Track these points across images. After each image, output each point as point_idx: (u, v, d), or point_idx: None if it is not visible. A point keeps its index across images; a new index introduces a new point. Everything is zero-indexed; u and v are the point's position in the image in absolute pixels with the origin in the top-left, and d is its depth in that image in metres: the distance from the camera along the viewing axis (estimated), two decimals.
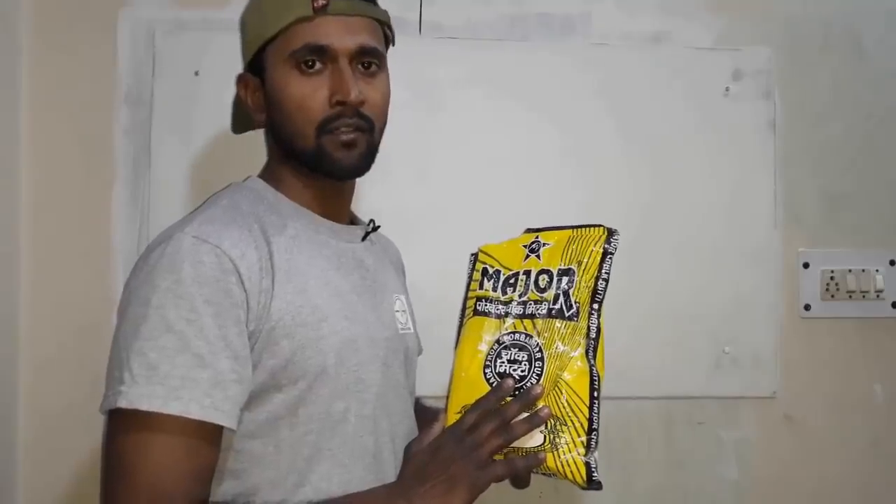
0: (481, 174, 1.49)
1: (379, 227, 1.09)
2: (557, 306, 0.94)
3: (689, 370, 1.52)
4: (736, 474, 1.55)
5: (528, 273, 0.98)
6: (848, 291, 1.56)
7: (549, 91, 1.51)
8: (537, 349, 0.93)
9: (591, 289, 0.94)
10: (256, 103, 1.01)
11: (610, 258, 0.95)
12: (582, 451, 0.94)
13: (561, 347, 0.92)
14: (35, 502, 1.40)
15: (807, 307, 1.56)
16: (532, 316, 0.94)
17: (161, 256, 0.88)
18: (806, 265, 1.57)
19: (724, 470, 1.54)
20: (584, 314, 0.93)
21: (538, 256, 0.99)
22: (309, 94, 0.95)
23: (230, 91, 1.04)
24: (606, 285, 0.94)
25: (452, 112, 1.49)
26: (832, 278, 1.56)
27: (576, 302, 0.94)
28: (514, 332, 0.95)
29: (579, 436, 0.94)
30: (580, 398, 0.93)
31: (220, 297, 0.86)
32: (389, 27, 1.03)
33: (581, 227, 0.98)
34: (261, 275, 0.90)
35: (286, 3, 0.96)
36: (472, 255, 1.05)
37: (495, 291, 0.99)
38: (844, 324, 1.57)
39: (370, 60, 0.97)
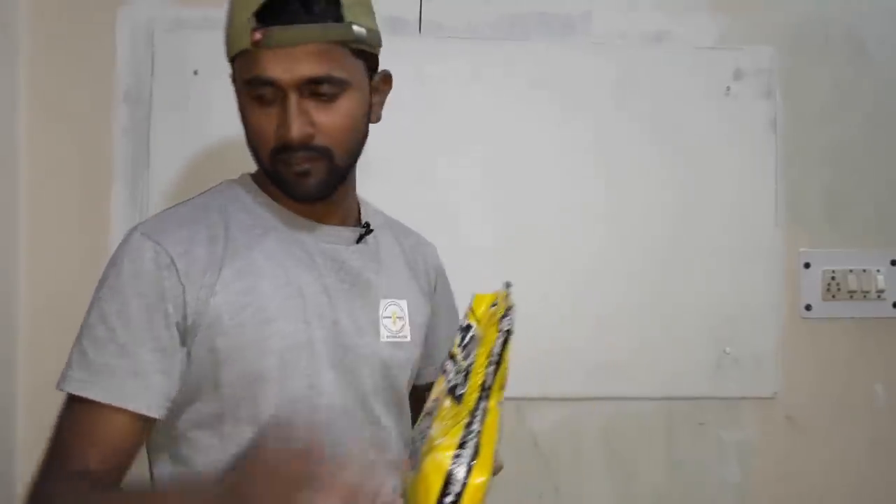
0: (481, 174, 1.49)
1: (372, 230, 1.07)
2: (455, 384, 0.83)
3: (690, 370, 1.52)
4: (737, 475, 1.54)
5: (465, 346, 0.89)
6: (849, 291, 1.56)
7: (550, 91, 1.50)
8: (420, 435, 0.82)
9: (483, 369, 0.82)
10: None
11: (504, 335, 0.84)
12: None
13: (438, 440, 0.77)
14: None
15: (808, 307, 1.56)
16: (453, 388, 0.83)
17: (115, 251, 0.95)
18: (807, 265, 1.56)
19: (724, 470, 1.54)
20: (467, 400, 0.79)
21: (477, 320, 0.90)
22: (262, 126, 0.94)
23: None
24: (495, 370, 0.81)
25: (452, 111, 1.48)
26: (833, 278, 1.56)
27: (464, 383, 0.82)
28: (436, 413, 0.83)
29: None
30: (429, 499, 0.74)
31: (152, 291, 0.91)
32: (361, 40, 0.97)
33: (505, 290, 0.90)
34: (204, 271, 0.92)
35: (236, 30, 0.94)
36: (471, 302, 0.93)
37: (458, 359, 0.88)
38: (845, 324, 1.57)
39: (322, 88, 0.94)
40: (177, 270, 0.92)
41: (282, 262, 0.97)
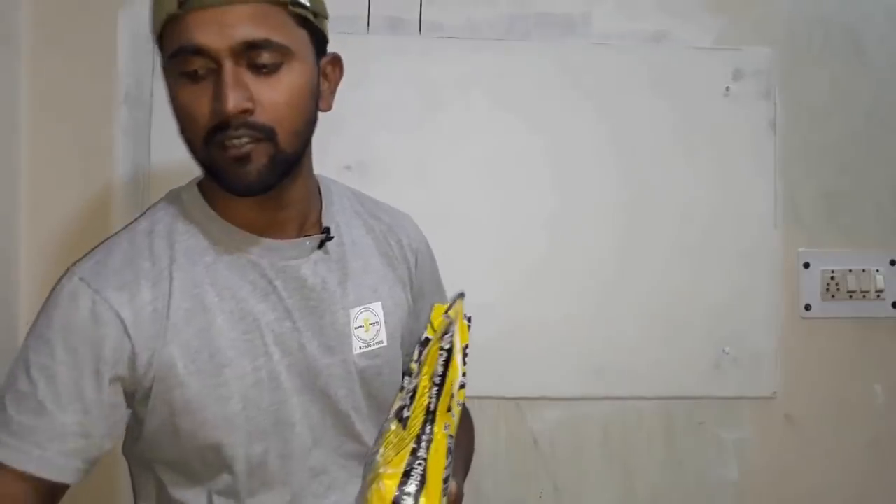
0: (481, 174, 1.49)
1: (332, 237, 0.97)
2: (402, 406, 0.80)
3: (689, 370, 1.52)
4: (736, 474, 1.55)
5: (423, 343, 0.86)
6: (848, 291, 1.56)
7: (550, 90, 1.50)
8: (370, 459, 0.80)
9: (427, 391, 0.78)
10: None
11: (444, 354, 0.78)
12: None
13: (381, 469, 0.74)
14: None
15: (807, 307, 1.56)
16: (400, 409, 0.81)
17: (50, 295, 0.87)
18: (806, 265, 1.56)
19: (723, 470, 1.54)
20: (412, 427, 0.76)
21: (433, 330, 0.86)
22: (192, 103, 0.83)
23: None
24: (440, 391, 0.76)
25: (452, 112, 1.49)
26: (832, 278, 1.56)
27: (410, 408, 0.78)
28: (382, 436, 0.81)
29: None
30: None
31: (85, 347, 0.83)
32: (301, 4, 0.87)
33: (455, 302, 0.86)
34: (153, 318, 0.85)
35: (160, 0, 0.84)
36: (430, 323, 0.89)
37: (412, 371, 0.85)
38: (845, 324, 1.57)
39: (262, 56, 0.83)
40: (122, 323, 0.83)
41: (235, 294, 0.89)
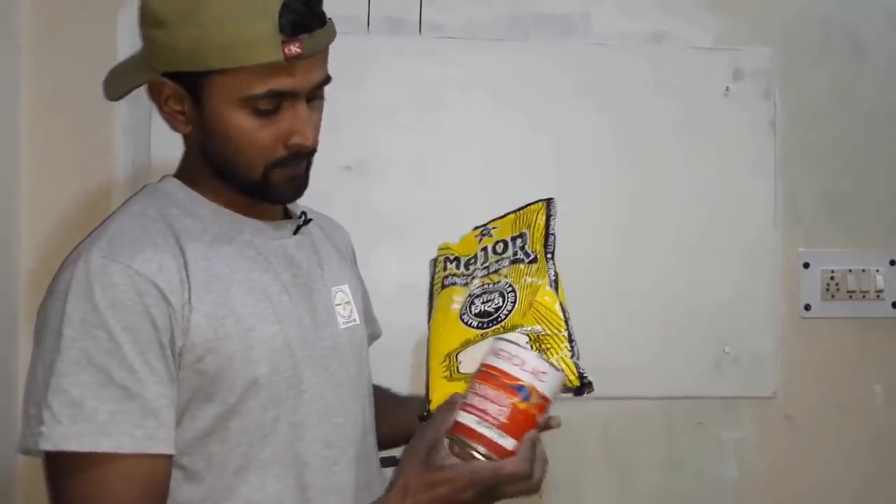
0: (481, 174, 1.49)
1: (311, 219, 1.02)
2: (518, 256, 1.03)
3: (690, 370, 1.52)
4: (736, 474, 1.55)
5: (485, 249, 1.07)
6: (848, 291, 1.56)
7: (549, 91, 1.50)
8: (508, 287, 0.99)
9: (542, 242, 1.03)
10: (180, 116, 0.92)
11: (553, 219, 1.06)
12: (567, 353, 0.93)
13: (529, 279, 0.99)
14: (35, 502, 1.39)
15: (807, 307, 1.56)
16: (497, 271, 1.03)
17: (71, 281, 0.83)
18: (806, 265, 1.56)
19: (724, 470, 1.54)
20: (541, 260, 1.01)
21: (490, 236, 1.09)
22: (263, 136, 0.88)
23: None
24: (555, 240, 1.04)
25: (452, 112, 1.49)
26: (832, 278, 1.56)
27: (532, 251, 1.03)
28: (483, 286, 1.02)
29: (562, 342, 0.94)
30: (555, 314, 0.96)
31: (139, 321, 0.82)
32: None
33: (521, 207, 1.10)
34: (182, 286, 0.86)
35: (245, 38, 0.84)
36: (432, 259, 1.12)
37: (458, 269, 1.07)
38: (844, 324, 1.57)
39: (321, 90, 0.92)
40: (160, 290, 0.84)
41: (240, 266, 0.92)
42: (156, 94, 0.93)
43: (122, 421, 0.80)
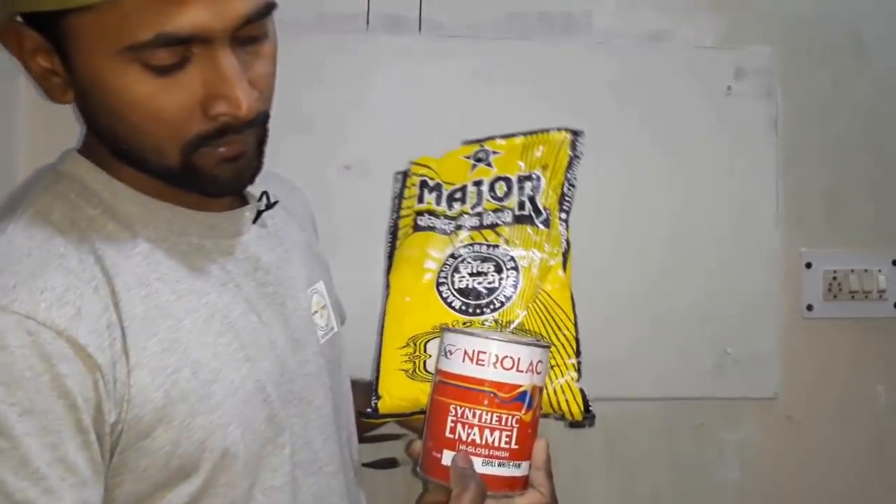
0: None
1: (276, 202, 0.77)
2: (525, 212, 0.79)
3: (691, 371, 1.52)
4: (737, 475, 1.54)
5: (478, 183, 0.83)
6: (850, 292, 1.55)
7: (550, 90, 1.50)
8: (508, 258, 0.77)
9: (558, 195, 0.79)
10: (54, 78, 0.67)
11: (577, 163, 0.81)
12: (574, 375, 0.74)
13: (538, 255, 0.77)
14: None
15: (809, 308, 1.56)
16: (493, 225, 0.79)
17: None
18: (808, 265, 1.56)
19: (725, 471, 1.54)
20: (554, 223, 0.78)
21: (489, 165, 0.84)
22: (167, 104, 0.61)
23: None
24: (574, 193, 0.80)
25: (452, 111, 1.48)
26: (835, 279, 1.55)
27: (545, 208, 0.79)
28: (472, 244, 0.78)
29: (569, 357, 0.74)
30: (565, 313, 0.75)
31: (45, 400, 0.57)
32: None
33: (535, 132, 0.85)
34: (111, 333, 0.61)
35: None
36: (400, 172, 0.89)
37: (440, 205, 0.83)
38: (847, 324, 1.57)
39: (257, 27, 0.63)
40: (79, 350, 0.58)
41: (192, 288, 0.67)
42: (14, 47, 0.65)
43: None
